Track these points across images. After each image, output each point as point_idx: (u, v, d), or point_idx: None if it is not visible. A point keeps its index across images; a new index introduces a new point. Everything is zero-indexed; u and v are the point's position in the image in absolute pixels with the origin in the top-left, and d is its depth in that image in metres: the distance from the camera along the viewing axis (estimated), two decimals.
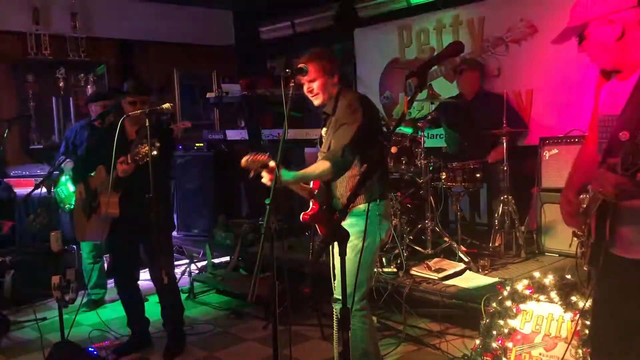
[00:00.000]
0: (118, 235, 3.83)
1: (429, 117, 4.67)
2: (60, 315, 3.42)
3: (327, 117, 2.99)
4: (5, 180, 5.62)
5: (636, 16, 1.92)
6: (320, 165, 2.72)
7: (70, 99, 6.49)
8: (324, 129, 3.02)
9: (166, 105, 3.30)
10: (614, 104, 1.98)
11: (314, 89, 2.89)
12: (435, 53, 4.96)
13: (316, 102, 2.94)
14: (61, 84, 6.46)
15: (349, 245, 2.70)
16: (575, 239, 2.22)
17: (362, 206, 2.84)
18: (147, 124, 3.20)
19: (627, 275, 1.95)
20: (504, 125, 4.41)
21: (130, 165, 3.38)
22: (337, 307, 2.94)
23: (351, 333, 2.82)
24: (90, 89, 6.59)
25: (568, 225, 2.25)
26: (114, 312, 4.75)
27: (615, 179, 1.65)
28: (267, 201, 2.20)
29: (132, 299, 4.01)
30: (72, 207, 4.80)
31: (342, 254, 1.78)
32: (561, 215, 2.20)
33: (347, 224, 2.74)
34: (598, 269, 2.00)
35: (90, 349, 3.63)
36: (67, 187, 4.85)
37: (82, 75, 6.62)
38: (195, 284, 5.31)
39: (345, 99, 2.89)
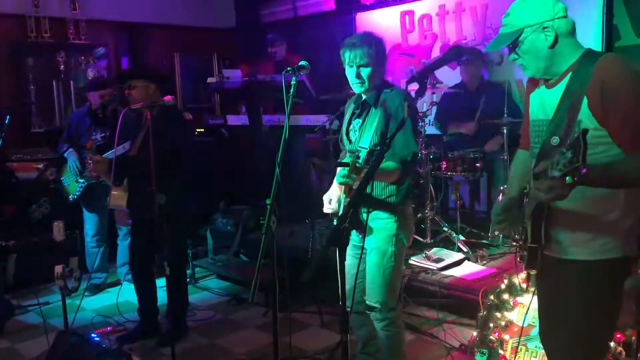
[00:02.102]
0: (136, 225, 3.85)
1: (431, 105, 4.66)
2: (64, 304, 3.46)
3: (360, 105, 2.86)
4: (6, 164, 5.63)
5: (566, 25, 2.01)
6: (391, 166, 2.62)
7: (71, 82, 6.46)
8: (356, 119, 2.88)
9: (168, 98, 3.29)
10: (544, 110, 2.09)
11: (362, 76, 2.74)
12: (437, 58, 4.90)
13: (359, 89, 2.80)
14: (61, 67, 6.42)
15: (378, 250, 2.76)
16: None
17: (389, 209, 2.78)
18: (148, 117, 3.19)
19: (562, 274, 2.08)
20: (505, 115, 4.42)
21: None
22: (374, 316, 2.86)
23: (392, 337, 2.89)
24: (90, 73, 6.55)
25: (497, 231, 2.42)
26: (115, 296, 4.80)
27: (548, 183, 1.69)
28: (268, 201, 2.21)
29: (146, 290, 4.03)
30: (75, 197, 4.84)
31: (342, 259, 1.80)
32: (493, 223, 2.34)
33: (375, 227, 2.75)
34: (537, 270, 2.11)
35: (92, 335, 3.67)
36: (70, 177, 4.87)
37: (83, 58, 6.57)
38: (196, 268, 5.37)
39: (401, 95, 2.76)
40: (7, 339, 4.15)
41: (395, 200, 2.78)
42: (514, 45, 2.03)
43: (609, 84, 1.88)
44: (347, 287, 2.83)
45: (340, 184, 2.53)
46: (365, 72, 2.74)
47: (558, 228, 2.04)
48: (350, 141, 2.89)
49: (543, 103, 2.12)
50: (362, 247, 2.66)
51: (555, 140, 1.92)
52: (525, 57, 2.05)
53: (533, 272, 2.13)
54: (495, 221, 2.31)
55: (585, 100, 1.91)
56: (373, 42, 2.74)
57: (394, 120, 2.68)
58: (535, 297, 2.34)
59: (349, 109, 3.00)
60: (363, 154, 2.65)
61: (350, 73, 2.78)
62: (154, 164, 3.15)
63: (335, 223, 2.78)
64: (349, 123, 2.95)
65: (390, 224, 2.78)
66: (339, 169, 2.55)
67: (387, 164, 2.59)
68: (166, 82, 3.99)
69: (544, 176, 1.73)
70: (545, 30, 1.99)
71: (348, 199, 2.44)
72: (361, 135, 2.81)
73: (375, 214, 2.77)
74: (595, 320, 2.05)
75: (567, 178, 1.62)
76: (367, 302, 2.85)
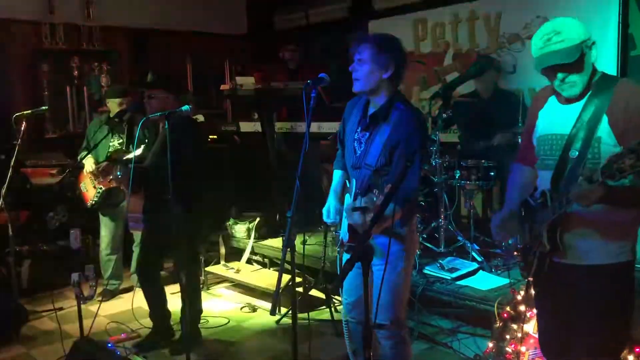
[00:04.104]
0: (147, 232, 3.88)
1: (444, 115, 4.65)
2: (79, 311, 3.48)
3: (368, 118, 2.70)
4: (20, 169, 5.67)
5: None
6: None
7: (85, 88, 6.51)
8: (363, 131, 2.71)
9: (185, 108, 3.31)
10: (558, 125, 2.18)
11: (358, 72, 2.61)
12: (461, 75, 4.87)
13: (354, 87, 2.66)
14: (75, 73, 6.48)
15: (389, 267, 2.57)
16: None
17: (399, 226, 2.65)
18: (166, 126, 3.20)
19: (580, 279, 2.14)
20: (519, 124, 4.40)
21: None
22: (383, 334, 2.78)
23: (399, 355, 2.83)
24: (104, 79, 6.61)
25: (495, 238, 2.68)
26: (128, 302, 4.82)
27: (600, 190, 1.86)
28: (289, 214, 2.22)
29: (155, 295, 4.04)
30: (94, 203, 4.87)
31: (366, 274, 1.81)
32: (492, 232, 2.44)
33: (382, 243, 2.57)
34: (542, 278, 2.23)
35: (108, 344, 3.70)
36: (87, 183, 4.91)
37: (96, 64, 6.62)
38: (209, 275, 5.38)
39: (414, 116, 2.61)
40: (22, 345, 4.17)
41: (403, 230, 2.68)
42: (572, 59, 2.04)
43: (633, 105, 2.02)
44: (351, 299, 2.85)
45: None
46: (361, 68, 2.59)
47: (574, 234, 2.12)
48: (355, 152, 2.74)
49: (557, 118, 2.21)
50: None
51: (573, 153, 2.07)
52: (579, 74, 2.09)
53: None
54: (495, 231, 2.42)
55: (605, 119, 2.04)
56: (378, 43, 2.59)
57: (405, 146, 2.53)
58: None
59: (354, 114, 2.81)
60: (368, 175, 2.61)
61: (352, 71, 2.64)
62: (170, 173, 3.17)
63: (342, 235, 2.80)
64: (354, 131, 2.76)
65: (399, 239, 2.68)
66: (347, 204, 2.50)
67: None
68: (185, 92, 4.02)
69: (590, 185, 1.86)
70: (594, 46, 2.10)
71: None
72: (367, 151, 2.66)
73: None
74: (617, 321, 2.16)
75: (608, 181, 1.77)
76: (376, 320, 2.69)
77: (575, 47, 2.04)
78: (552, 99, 2.26)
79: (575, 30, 2.07)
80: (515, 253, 2.47)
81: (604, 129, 2.04)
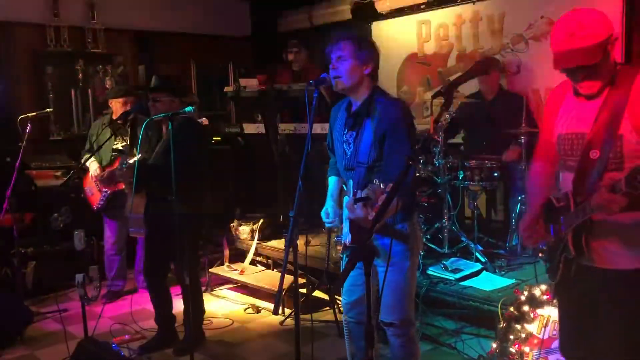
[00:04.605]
0: (151, 235, 3.89)
1: (448, 116, 4.65)
2: (84, 312, 3.48)
3: (352, 117, 2.72)
4: (25, 171, 5.70)
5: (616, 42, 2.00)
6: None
7: (89, 91, 6.53)
8: (350, 131, 2.72)
9: (188, 109, 3.32)
10: (577, 123, 2.08)
11: (339, 69, 2.60)
12: (463, 73, 4.85)
13: (337, 86, 2.64)
14: (80, 76, 6.50)
15: (395, 267, 2.62)
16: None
17: (400, 224, 2.66)
18: (169, 127, 3.21)
19: (606, 283, 2.07)
20: (523, 125, 4.40)
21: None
22: (393, 332, 2.77)
23: (409, 353, 2.84)
24: (108, 82, 6.63)
25: (526, 245, 2.40)
26: (133, 303, 4.83)
27: (624, 200, 1.77)
28: (291, 213, 2.22)
29: (162, 299, 4.04)
30: (99, 205, 4.89)
31: (368, 274, 1.81)
32: (521, 238, 2.30)
33: (385, 244, 2.61)
34: (568, 281, 2.16)
35: (113, 345, 3.70)
36: (92, 188, 4.92)
37: (101, 67, 6.65)
38: (212, 276, 5.39)
39: (396, 105, 2.64)
40: (27, 346, 4.18)
41: (405, 227, 2.67)
42: (595, 61, 1.93)
43: None
44: (351, 299, 2.84)
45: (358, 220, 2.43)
46: (342, 65, 2.59)
47: (600, 239, 2.05)
48: (345, 153, 2.75)
49: (574, 115, 2.11)
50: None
51: (594, 153, 1.97)
52: (601, 71, 1.99)
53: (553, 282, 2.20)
54: (524, 237, 2.32)
55: (626, 115, 1.94)
56: (357, 39, 2.62)
57: (391, 134, 2.55)
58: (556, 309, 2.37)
59: (338, 119, 2.83)
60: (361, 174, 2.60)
61: (330, 70, 2.64)
62: (174, 173, 3.18)
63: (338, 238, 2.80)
64: (342, 134, 2.77)
65: (403, 239, 2.68)
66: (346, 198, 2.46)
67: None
68: (190, 95, 4.02)
69: (613, 193, 1.79)
70: (615, 41, 1.97)
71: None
72: (357, 150, 2.67)
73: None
74: None
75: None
76: (384, 319, 2.76)
77: (599, 45, 1.92)
78: (570, 95, 2.15)
79: (600, 26, 1.93)
80: (540, 255, 2.40)
81: (625, 127, 1.94)
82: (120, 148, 4.71)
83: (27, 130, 4.57)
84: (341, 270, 2.89)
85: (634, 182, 1.70)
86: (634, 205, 1.81)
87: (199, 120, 4.75)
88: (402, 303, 2.74)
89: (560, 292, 2.33)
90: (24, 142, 4.53)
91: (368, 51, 2.65)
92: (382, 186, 2.15)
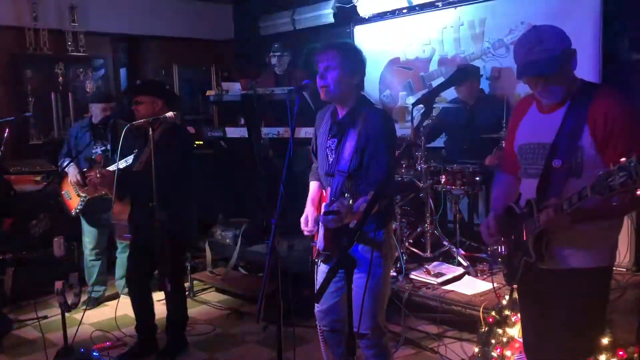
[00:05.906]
0: (135, 241, 3.84)
1: (429, 121, 4.67)
2: (63, 320, 3.45)
3: (336, 125, 2.74)
4: (4, 176, 5.61)
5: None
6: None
7: (69, 94, 6.46)
8: (332, 138, 2.74)
9: (169, 114, 3.30)
10: (537, 134, 2.21)
11: (327, 79, 2.61)
12: (444, 81, 4.87)
13: (325, 95, 2.66)
14: (60, 80, 6.42)
15: (367, 274, 2.55)
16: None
17: (375, 231, 2.63)
18: (151, 133, 3.19)
19: (562, 283, 2.19)
20: (504, 129, 4.43)
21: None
22: (365, 344, 2.75)
23: (385, 357, 2.83)
24: (89, 85, 6.56)
25: (487, 244, 2.80)
26: (113, 310, 4.77)
27: (567, 220, 1.97)
28: (273, 221, 2.21)
29: (144, 308, 4.00)
30: (78, 211, 4.83)
31: (350, 282, 1.80)
32: (482, 237, 2.44)
33: (360, 251, 2.63)
34: (526, 283, 2.29)
35: (94, 353, 3.66)
36: (71, 191, 4.86)
37: (81, 70, 6.58)
38: (195, 282, 5.36)
39: (379, 116, 2.67)
40: (6, 355, 4.12)
41: (380, 234, 2.67)
42: (553, 70, 2.07)
43: (611, 115, 2.03)
44: (323, 306, 2.85)
45: (333, 228, 2.49)
46: (330, 75, 2.60)
47: (560, 243, 2.16)
48: (327, 159, 2.76)
49: (537, 127, 2.24)
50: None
51: (557, 162, 2.10)
52: (560, 83, 2.12)
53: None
54: (488, 239, 2.40)
55: (586, 128, 2.06)
56: (346, 49, 2.64)
57: (373, 144, 2.59)
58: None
59: (323, 125, 2.84)
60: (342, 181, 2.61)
61: (318, 79, 2.65)
62: (156, 180, 3.15)
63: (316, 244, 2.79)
64: (325, 140, 2.79)
65: (377, 246, 2.67)
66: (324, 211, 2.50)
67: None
68: (174, 99, 3.97)
69: (557, 214, 1.94)
70: (574, 54, 2.12)
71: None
72: (338, 158, 2.69)
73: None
74: (597, 320, 2.25)
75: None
76: (356, 329, 2.67)
77: (556, 57, 2.06)
78: (533, 108, 2.29)
79: (556, 39, 2.10)
80: (499, 260, 2.47)
81: (585, 139, 2.06)
82: (93, 157, 4.65)
83: (6, 135, 4.51)
84: (315, 279, 2.88)
85: (599, 188, 1.77)
86: (583, 219, 1.99)
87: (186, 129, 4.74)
88: (372, 311, 2.70)
89: (520, 295, 2.44)
90: (2, 146, 4.47)
91: (356, 62, 2.66)
92: (350, 202, 2.26)
